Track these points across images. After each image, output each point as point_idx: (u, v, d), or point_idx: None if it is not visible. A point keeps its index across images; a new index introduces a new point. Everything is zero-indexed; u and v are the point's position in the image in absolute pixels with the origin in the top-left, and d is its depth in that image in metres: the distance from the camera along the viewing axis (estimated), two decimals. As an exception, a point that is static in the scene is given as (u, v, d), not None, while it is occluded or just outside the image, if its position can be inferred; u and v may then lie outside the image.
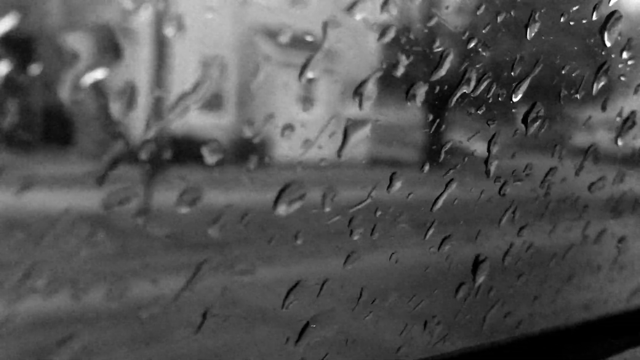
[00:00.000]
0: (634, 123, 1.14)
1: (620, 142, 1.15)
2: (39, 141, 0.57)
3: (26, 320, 0.58)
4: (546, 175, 1.04)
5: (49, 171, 0.55)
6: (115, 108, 0.54)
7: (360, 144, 0.74)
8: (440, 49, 0.76)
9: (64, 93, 0.51)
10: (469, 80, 0.81)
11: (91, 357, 0.64)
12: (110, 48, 0.52)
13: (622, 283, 1.49)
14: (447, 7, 0.75)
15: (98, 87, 0.52)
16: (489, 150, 0.90)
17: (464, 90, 0.81)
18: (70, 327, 0.60)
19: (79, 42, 0.50)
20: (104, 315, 0.62)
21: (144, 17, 0.52)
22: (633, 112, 1.13)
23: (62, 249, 0.56)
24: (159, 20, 0.56)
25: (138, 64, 0.57)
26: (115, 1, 0.53)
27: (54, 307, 0.58)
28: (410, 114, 0.79)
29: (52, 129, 0.58)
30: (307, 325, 0.80)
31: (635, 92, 1.13)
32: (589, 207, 1.21)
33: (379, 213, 0.82)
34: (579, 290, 1.36)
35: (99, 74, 0.52)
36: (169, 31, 0.55)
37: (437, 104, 0.79)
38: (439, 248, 0.93)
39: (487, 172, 0.93)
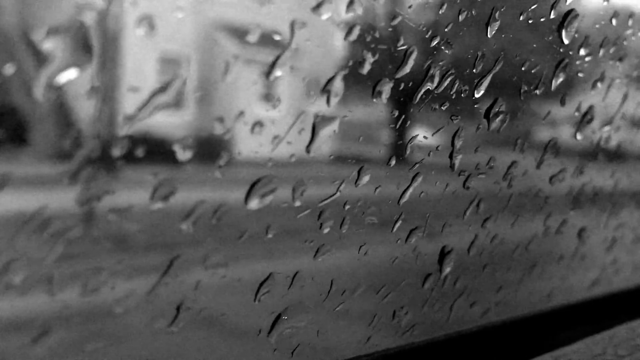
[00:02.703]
0: (592, 118, 1.18)
1: (579, 136, 1.19)
2: (11, 140, 0.58)
3: (1, 317, 0.59)
4: (508, 168, 1.08)
5: (22, 170, 0.56)
6: (88, 107, 0.55)
7: (328, 140, 0.76)
8: (404, 47, 0.78)
9: (38, 93, 0.52)
10: (432, 77, 0.83)
11: (67, 353, 0.66)
12: (82, 48, 0.53)
13: (583, 273, 1.54)
14: (410, 7, 0.77)
15: (70, 87, 0.53)
16: (453, 144, 0.93)
17: (428, 87, 0.84)
18: (46, 323, 0.61)
19: (52, 42, 0.51)
20: (79, 311, 0.63)
21: (114, 16, 0.53)
22: (591, 107, 1.18)
23: (36, 246, 0.57)
24: (130, 19, 0.57)
25: (109, 63, 0.58)
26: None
27: (28, 303, 0.59)
28: (377, 110, 0.81)
29: (24, 128, 0.59)
30: (278, 316, 0.82)
31: (593, 87, 1.17)
32: (550, 199, 1.25)
33: (347, 207, 0.84)
34: (542, 279, 1.40)
35: (71, 73, 0.53)
36: (140, 30, 0.56)
37: (402, 101, 0.82)
38: (406, 240, 0.96)
39: (452, 166, 0.96)
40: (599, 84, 1.18)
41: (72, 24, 0.53)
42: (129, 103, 0.58)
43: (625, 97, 1.29)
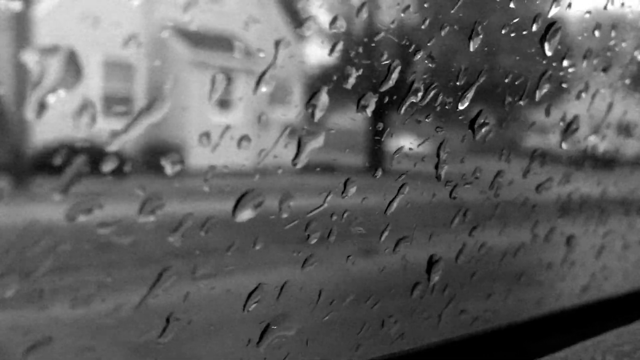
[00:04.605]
0: (577, 127, 1.20)
1: (564, 146, 1.21)
2: (2, 157, 0.59)
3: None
4: (495, 177, 1.10)
5: (13, 185, 0.58)
6: (77, 124, 0.57)
7: (314, 152, 0.78)
8: (388, 62, 0.80)
9: (28, 112, 0.54)
10: (416, 91, 0.85)
11: (58, 364, 0.67)
12: (72, 69, 0.55)
13: (572, 279, 1.55)
14: (393, 22, 0.79)
15: (59, 105, 0.55)
16: (438, 155, 0.95)
17: (412, 100, 0.86)
18: (37, 335, 0.62)
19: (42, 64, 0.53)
20: (70, 323, 0.64)
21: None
22: (576, 117, 1.20)
23: (27, 260, 0.59)
24: (117, 38, 0.59)
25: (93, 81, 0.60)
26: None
27: (21, 316, 0.60)
28: (362, 123, 0.83)
29: (15, 144, 0.60)
30: (267, 326, 0.83)
31: (577, 97, 1.19)
32: (538, 207, 1.27)
33: (334, 218, 0.86)
34: (531, 287, 1.42)
35: (60, 93, 0.55)
36: (130, 50, 0.58)
37: (387, 114, 0.84)
38: (394, 249, 0.98)
39: (438, 177, 0.97)
40: (583, 94, 1.20)
41: (62, 46, 0.55)
42: (117, 118, 0.59)
43: (610, 106, 1.31)
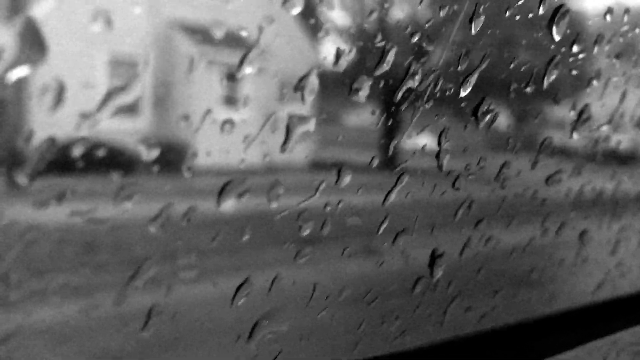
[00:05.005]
0: (588, 117, 1.16)
1: (575, 135, 1.16)
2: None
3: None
4: (501, 169, 1.05)
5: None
6: (42, 106, 0.54)
7: (304, 139, 0.74)
8: (382, 44, 0.76)
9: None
10: (414, 75, 0.81)
11: (32, 357, 0.64)
12: (35, 43, 0.52)
13: (586, 276, 1.50)
14: (386, 1, 0.75)
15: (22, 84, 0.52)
16: (439, 144, 0.91)
17: (410, 85, 0.82)
18: (7, 327, 0.59)
19: (1, 37, 0.50)
20: (43, 322, 0.62)
21: (69, 12, 0.52)
22: (587, 106, 1.15)
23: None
24: (87, 14, 0.55)
25: (64, 61, 0.57)
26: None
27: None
28: (355, 109, 0.79)
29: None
30: (258, 322, 0.80)
31: (588, 85, 1.14)
32: (548, 200, 1.22)
33: (328, 208, 0.82)
34: (542, 283, 1.37)
35: (23, 70, 0.51)
36: (96, 27, 0.54)
37: (382, 99, 0.80)
38: (393, 242, 0.94)
39: (440, 167, 0.93)
40: (594, 82, 1.15)
41: (24, 19, 0.51)
42: (86, 102, 0.56)
43: (623, 95, 1.26)
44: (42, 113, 0.52)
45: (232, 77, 0.63)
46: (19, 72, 0.51)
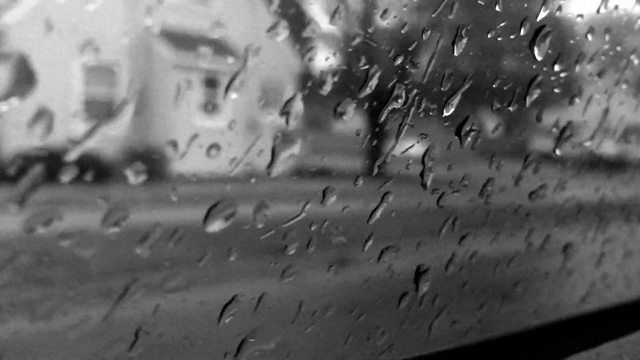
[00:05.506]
0: (570, 134, 1.18)
1: (558, 152, 1.18)
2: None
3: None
4: (484, 185, 1.07)
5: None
6: (33, 133, 0.55)
7: (290, 160, 0.76)
8: (366, 67, 0.78)
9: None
10: (398, 97, 0.83)
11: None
12: (24, 75, 0.53)
13: (571, 288, 1.52)
14: (370, 26, 0.77)
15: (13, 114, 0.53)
16: (423, 163, 0.92)
17: (394, 106, 0.83)
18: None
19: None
20: (30, 338, 0.63)
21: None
22: (569, 123, 1.17)
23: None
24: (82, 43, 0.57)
25: (52, 88, 0.58)
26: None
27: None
28: (341, 130, 0.81)
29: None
30: (245, 339, 0.81)
31: (570, 103, 1.17)
32: (532, 215, 1.24)
33: (313, 227, 0.83)
34: (527, 297, 1.39)
35: (13, 101, 0.53)
36: (86, 59, 0.56)
37: (367, 120, 0.82)
38: (378, 259, 0.95)
39: (424, 185, 0.95)
40: (577, 100, 1.18)
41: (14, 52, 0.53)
42: (76, 126, 0.57)
43: (606, 112, 1.28)
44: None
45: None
46: (9, 104, 0.53)
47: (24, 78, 0.52)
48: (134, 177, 0.63)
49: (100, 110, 0.63)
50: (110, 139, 0.61)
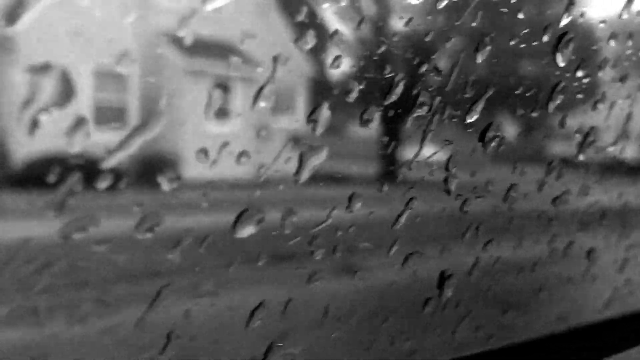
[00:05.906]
0: (594, 139, 1.18)
1: (581, 157, 1.18)
2: None
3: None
4: (508, 191, 1.07)
5: (7, 202, 0.58)
6: (70, 141, 0.57)
7: (317, 167, 0.77)
8: (391, 75, 0.79)
9: (21, 130, 0.54)
10: (422, 104, 0.84)
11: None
12: (63, 86, 0.55)
13: (594, 294, 1.51)
14: (394, 35, 0.78)
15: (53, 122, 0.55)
16: (447, 169, 0.93)
17: (418, 113, 0.84)
18: (34, 353, 0.62)
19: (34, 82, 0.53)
20: (66, 341, 0.64)
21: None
22: (592, 128, 1.17)
23: (21, 278, 0.59)
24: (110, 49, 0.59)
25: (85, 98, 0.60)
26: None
27: (16, 335, 0.60)
28: (367, 137, 0.82)
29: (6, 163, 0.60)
30: (272, 344, 0.82)
31: (593, 108, 1.17)
32: (555, 221, 1.24)
33: (339, 233, 0.84)
34: (551, 302, 1.38)
35: (53, 111, 0.55)
36: (123, 69, 0.58)
37: (392, 127, 0.83)
38: (403, 264, 0.96)
39: (448, 191, 0.96)
40: (599, 105, 1.18)
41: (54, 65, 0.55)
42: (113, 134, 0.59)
43: (628, 117, 1.28)
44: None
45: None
46: (49, 114, 0.55)
47: (65, 89, 0.54)
48: (167, 184, 0.65)
49: (113, 117, 0.64)
50: (143, 147, 0.63)
